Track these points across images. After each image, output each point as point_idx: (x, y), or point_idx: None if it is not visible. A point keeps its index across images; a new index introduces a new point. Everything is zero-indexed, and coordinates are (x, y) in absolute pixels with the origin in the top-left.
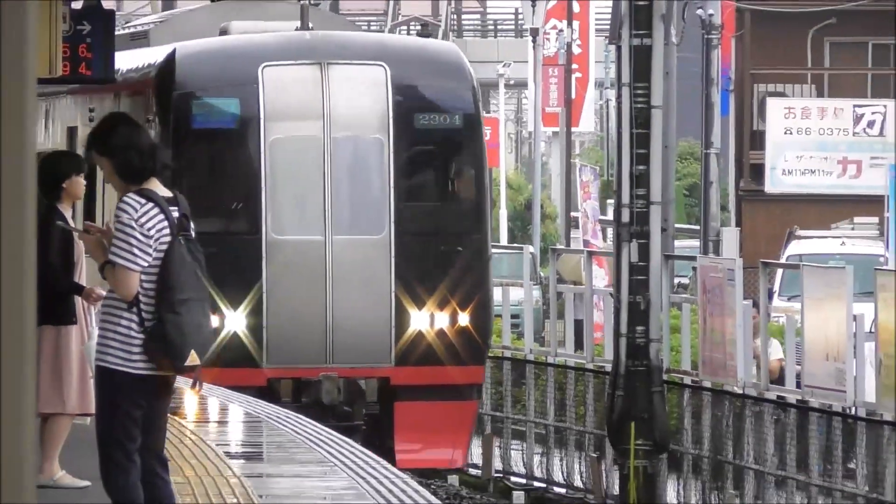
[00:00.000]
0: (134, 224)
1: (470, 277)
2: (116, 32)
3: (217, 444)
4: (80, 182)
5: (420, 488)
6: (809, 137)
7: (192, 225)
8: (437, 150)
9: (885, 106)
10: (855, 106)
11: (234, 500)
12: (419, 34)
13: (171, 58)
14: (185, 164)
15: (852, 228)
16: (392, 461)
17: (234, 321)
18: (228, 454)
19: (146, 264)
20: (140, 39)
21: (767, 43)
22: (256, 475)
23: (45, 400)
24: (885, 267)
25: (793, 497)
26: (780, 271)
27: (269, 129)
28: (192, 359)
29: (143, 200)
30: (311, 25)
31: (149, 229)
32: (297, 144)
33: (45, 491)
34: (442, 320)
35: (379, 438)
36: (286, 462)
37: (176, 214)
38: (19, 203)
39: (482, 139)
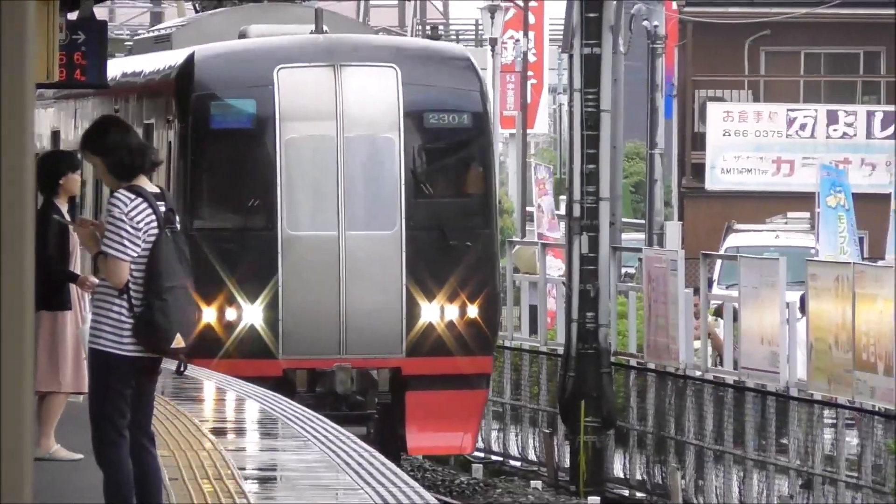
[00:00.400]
0: (124, 218)
1: (479, 271)
2: (142, 36)
3: (200, 421)
4: (76, 179)
5: (385, 460)
6: (746, 139)
7: (177, 218)
8: (446, 148)
9: (815, 110)
10: (788, 110)
11: (213, 468)
12: (430, 37)
13: (190, 60)
14: (203, 162)
15: (785, 223)
16: (403, 448)
17: (251, 314)
18: (212, 430)
19: (135, 255)
20: (163, 42)
21: (707, 52)
22: (235, 449)
23: (42, 379)
24: (815, 258)
25: (730, 470)
26: (719, 262)
27: (285, 128)
28: (178, 341)
29: (132, 196)
30: (325, 29)
31: (138, 223)
32: (312, 143)
33: (41, 463)
34: (451, 312)
35: (391, 426)
36: (264, 437)
37: (163, 209)
38: (19, 199)
39: (490, 137)
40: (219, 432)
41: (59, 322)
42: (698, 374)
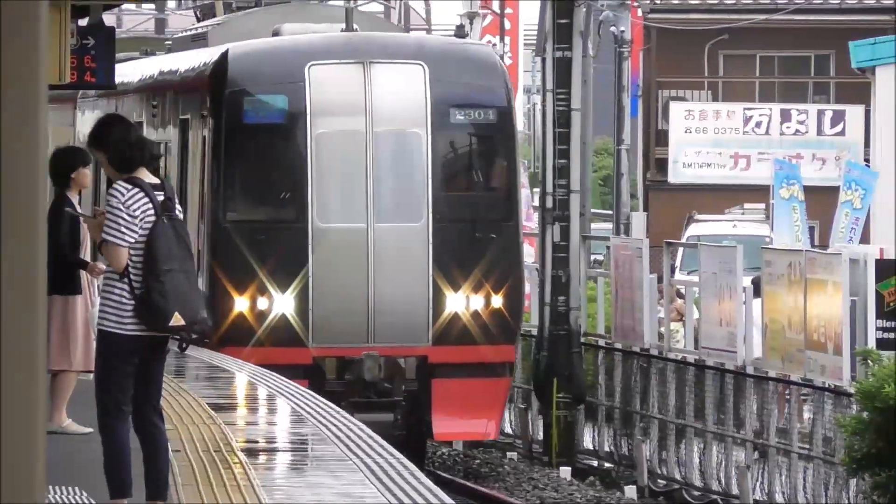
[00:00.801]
0: (121, 207)
1: (503, 262)
2: (180, 35)
3: (203, 399)
4: (87, 173)
5: (372, 434)
6: (706, 136)
7: (177, 207)
8: (471, 143)
9: (770, 109)
10: (745, 109)
11: (212, 440)
12: (455, 35)
13: (223, 57)
14: (236, 157)
15: (742, 213)
16: (430, 434)
17: (282, 304)
18: (212, 406)
19: (133, 241)
20: (200, 41)
21: (670, 55)
22: (233, 423)
23: (55, 359)
24: (769, 246)
25: (691, 442)
26: (680, 249)
27: (315, 123)
28: (177, 319)
29: (129, 186)
30: (355, 27)
31: (134, 211)
32: (342, 138)
33: (54, 436)
34: (476, 302)
35: (417, 413)
36: (261, 412)
37: (161, 198)
38: (33, 191)
39: (515, 132)
40: (218, 408)
41: (70, 305)
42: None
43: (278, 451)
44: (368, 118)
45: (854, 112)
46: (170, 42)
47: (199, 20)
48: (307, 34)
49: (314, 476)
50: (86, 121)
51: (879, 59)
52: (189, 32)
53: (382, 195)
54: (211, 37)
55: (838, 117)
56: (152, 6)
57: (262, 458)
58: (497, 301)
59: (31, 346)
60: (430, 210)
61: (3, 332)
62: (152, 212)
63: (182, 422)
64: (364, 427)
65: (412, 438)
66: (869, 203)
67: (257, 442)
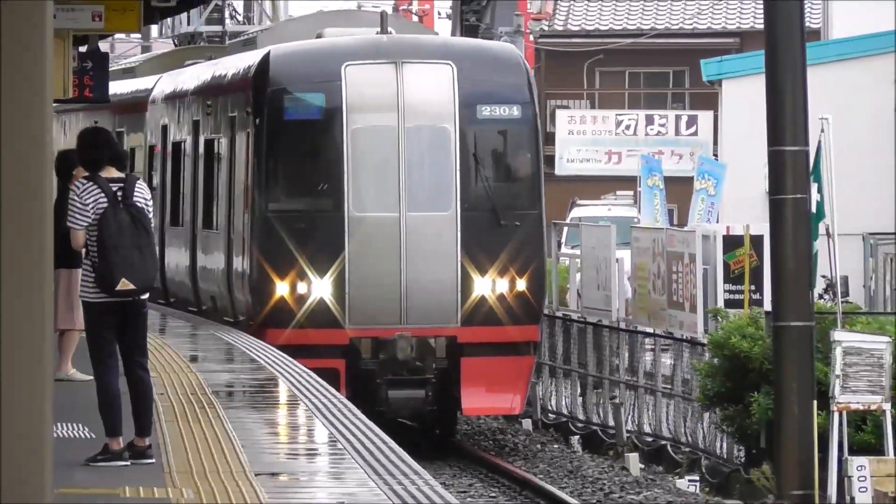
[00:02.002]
0: (76, 198)
1: (527, 248)
2: (235, 40)
3: (181, 352)
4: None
5: (320, 380)
6: (585, 137)
7: (137, 195)
8: (497, 137)
9: (637, 115)
10: (616, 115)
11: (187, 384)
12: (482, 37)
13: (266, 59)
14: (277, 151)
15: (615, 199)
16: (459, 409)
17: (320, 288)
18: (189, 358)
19: (85, 224)
20: (250, 45)
21: (556, 72)
22: (206, 371)
23: (61, 319)
24: (637, 225)
25: (576, 384)
26: (565, 229)
27: (351, 119)
28: (124, 285)
29: (84, 182)
30: (390, 30)
31: (86, 201)
32: (375, 133)
33: (60, 383)
34: (502, 286)
35: (447, 389)
36: (228, 363)
37: (116, 189)
38: (40, 185)
39: (538, 127)
40: (193, 360)
41: (73, 277)
42: (550, 312)
43: (241, 393)
44: (400, 114)
45: (705, 116)
46: (225, 46)
47: (175, 46)
48: (343, 37)
49: (270, 413)
50: (154, 121)
51: (725, 73)
52: (242, 38)
53: (414, 186)
54: (260, 41)
55: (692, 121)
56: (139, 36)
57: (229, 399)
58: (521, 284)
59: (40, 309)
60: (459, 200)
61: (18, 297)
62: (105, 201)
63: (165, 371)
64: (313, 374)
65: (443, 413)
66: (721, 190)
67: (224, 386)
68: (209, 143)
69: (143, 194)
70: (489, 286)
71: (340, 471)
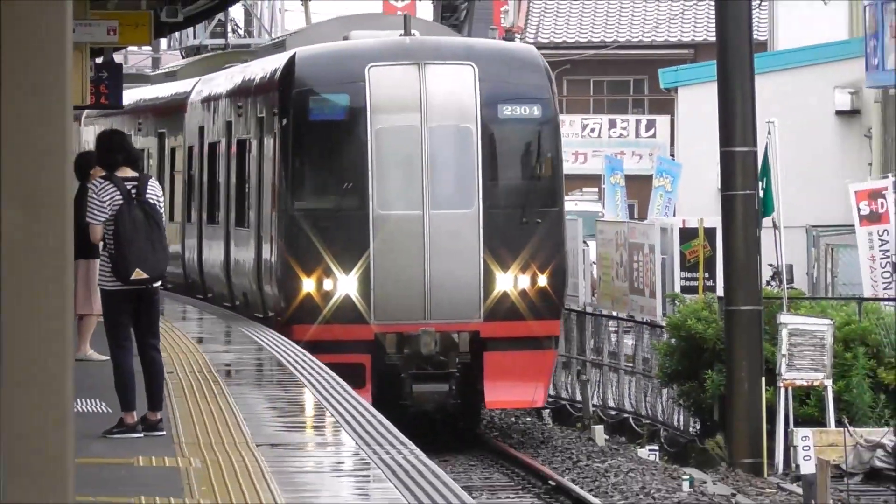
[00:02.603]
0: (94, 196)
1: (548, 245)
2: (264, 44)
3: (189, 334)
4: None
5: (316, 360)
6: None
7: (149, 192)
8: (518, 136)
9: (601, 119)
10: (582, 119)
11: (194, 363)
12: (504, 38)
13: (291, 61)
14: (303, 150)
15: (581, 195)
16: (482, 402)
17: (346, 284)
18: (197, 340)
19: (103, 220)
20: (279, 48)
21: None
22: (212, 351)
23: (80, 305)
24: (601, 219)
25: None
26: None
27: (375, 119)
28: (138, 275)
29: (101, 181)
30: (414, 32)
31: (103, 198)
32: (399, 133)
33: (80, 363)
34: (524, 282)
35: (470, 383)
36: (231, 344)
37: (130, 188)
38: (62, 182)
39: (558, 126)
40: (200, 341)
41: (92, 266)
42: None
43: (243, 372)
44: (423, 114)
45: (662, 120)
46: (255, 50)
47: (182, 57)
48: (367, 39)
49: (271, 390)
50: (192, 123)
51: (680, 81)
52: (272, 41)
53: (437, 184)
54: (289, 44)
55: (651, 124)
56: (150, 48)
57: (232, 377)
58: (543, 280)
59: (61, 295)
60: (481, 197)
61: (41, 285)
62: (120, 198)
63: (174, 351)
64: (307, 353)
65: (466, 407)
66: (677, 187)
67: (228, 366)
68: (241, 144)
69: (155, 192)
70: (511, 282)
71: (333, 442)
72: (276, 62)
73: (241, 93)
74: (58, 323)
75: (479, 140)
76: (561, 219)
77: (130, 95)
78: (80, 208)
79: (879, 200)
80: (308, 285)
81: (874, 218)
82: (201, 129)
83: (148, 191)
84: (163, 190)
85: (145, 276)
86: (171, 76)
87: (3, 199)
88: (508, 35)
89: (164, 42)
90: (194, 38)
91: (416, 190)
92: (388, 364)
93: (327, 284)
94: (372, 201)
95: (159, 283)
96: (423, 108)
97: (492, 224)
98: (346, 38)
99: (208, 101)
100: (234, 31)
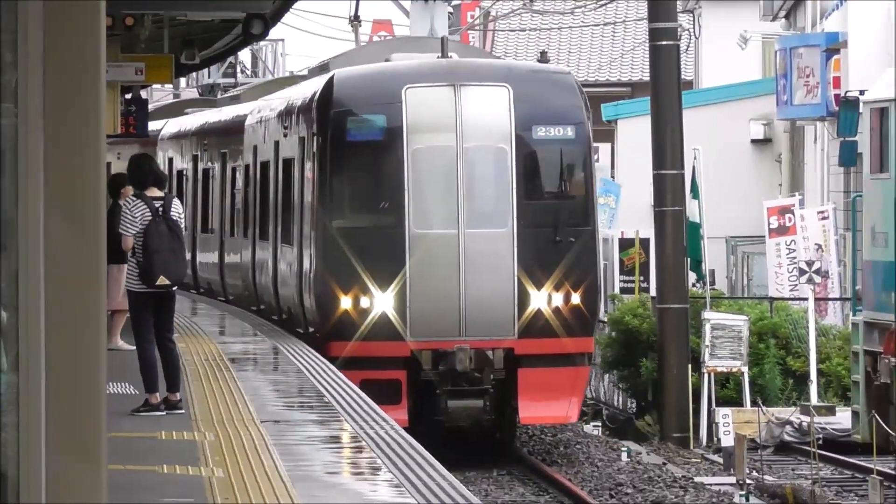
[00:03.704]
0: (128, 211)
1: (581, 263)
2: (314, 66)
3: (202, 328)
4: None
5: (313, 351)
6: None
7: (173, 210)
8: (552, 157)
9: None
10: None
11: (211, 355)
12: (539, 60)
13: (330, 82)
14: (340, 170)
15: None
16: (517, 418)
17: (382, 302)
18: (210, 333)
19: (134, 232)
20: (324, 70)
21: None
22: (222, 342)
23: (111, 302)
24: None
25: None
26: None
27: (411, 140)
28: (162, 281)
29: (134, 199)
30: (451, 55)
31: (135, 214)
32: (435, 153)
33: (111, 352)
34: (557, 299)
35: (505, 400)
36: (239, 336)
37: (158, 205)
38: (97, 200)
39: (591, 147)
40: (214, 335)
41: (121, 270)
42: None
43: (250, 360)
44: (459, 135)
45: (605, 148)
46: (305, 73)
47: (199, 95)
48: (404, 61)
49: (273, 375)
50: (250, 139)
51: (620, 115)
52: (319, 65)
53: (472, 204)
54: (332, 66)
55: (595, 151)
56: (171, 86)
57: (240, 364)
58: (576, 298)
59: (96, 294)
60: (515, 217)
61: (80, 285)
62: (150, 215)
63: (191, 342)
64: (305, 346)
65: (501, 422)
66: (618, 204)
67: (237, 354)
68: (286, 163)
69: (177, 210)
70: (545, 300)
71: (327, 419)
72: (317, 84)
73: (287, 114)
74: (92, 317)
75: (513, 160)
76: (594, 237)
77: (197, 119)
78: (111, 221)
79: (787, 215)
80: (345, 302)
81: (782, 230)
82: (255, 149)
83: (172, 208)
84: (220, 207)
85: (167, 282)
86: (235, 100)
87: (46, 210)
88: (543, 57)
89: (183, 81)
90: (209, 77)
91: (452, 209)
92: (424, 380)
93: (364, 302)
94: (408, 220)
95: (176, 287)
96: (458, 129)
97: (526, 243)
98: (387, 61)
99: (261, 122)
100: (242, 71)
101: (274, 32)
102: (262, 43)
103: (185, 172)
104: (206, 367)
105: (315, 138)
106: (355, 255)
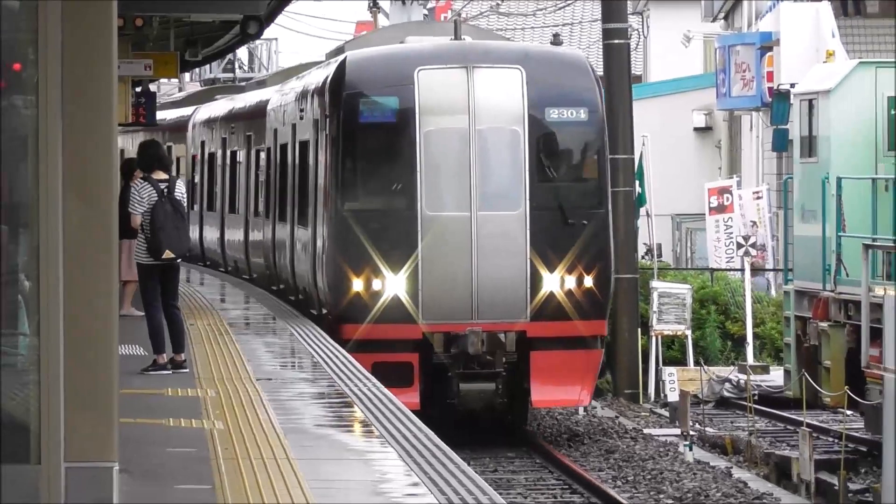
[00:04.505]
0: (136, 192)
1: (594, 246)
2: (330, 51)
3: (205, 296)
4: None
5: (302, 317)
6: None
7: (177, 191)
8: (565, 139)
9: None
10: None
11: (213, 320)
12: (552, 43)
13: (342, 64)
14: (352, 152)
15: None
16: (529, 401)
17: (395, 284)
18: (211, 301)
19: (142, 211)
20: (339, 54)
21: None
22: (223, 309)
23: (123, 273)
24: None
25: None
26: None
27: (424, 122)
28: (167, 254)
29: (142, 181)
30: (464, 38)
31: (142, 195)
32: (447, 135)
33: (123, 318)
34: (570, 282)
35: (517, 382)
36: (241, 303)
37: (163, 187)
38: (109, 182)
39: (604, 129)
40: (217, 302)
41: (131, 245)
42: None
43: (248, 325)
44: (471, 117)
45: None
46: (323, 59)
47: (202, 86)
48: (417, 42)
49: (268, 337)
50: (271, 122)
51: None
52: (336, 49)
53: (484, 186)
54: (347, 49)
55: None
56: (176, 80)
57: (239, 328)
58: (589, 281)
59: (109, 266)
60: (528, 199)
61: (95, 258)
62: (155, 195)
63: (194, 309)
64: (297, 313)
65: (514, 405)
66: None
67: (236, 320)
68: (303, 146)
69: (180, 190)
70: (557, 282)
71: (316, 378)
72: (331, 67)
73: (303, 97)
74: (106, 286)
75: (526, 142)
76: (606, 221)
77: (225, 105)
78: (123, 201)
79: (725, 195)
80: (357, 285)
81: (721, 209)
82: (275, 133)
83: (176, 189)
84: (245, 189)
85: (172, 255)
86: (261, 84)
87: (64, 191)
88: (556, 40)
89: (187, 76)
90: (210, 72)
91: (464, 191)
92: (436, 363)
93: (376, 284)
94: (420, 202)
95: (180, 259)
96: (471, 111)
97: (539, 225)
98: (402, 43)
99: (281, 107)
100: (240, 67)
101: (268, 32)
102: (257, 42)
103: (215, 155)
104: (207, 330)
105: (327, 120)
106: (367, 238)
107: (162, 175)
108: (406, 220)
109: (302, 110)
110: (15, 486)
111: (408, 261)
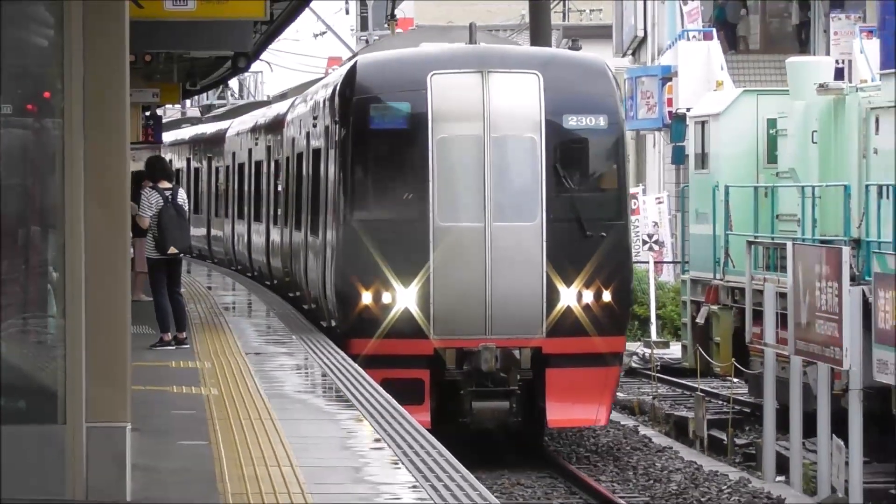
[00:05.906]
0: (145, 199)
1: (612, 259)
2: (346, 59)
3: (203, 284)
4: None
5: (285, 303)
6: None
7: (179, 198)
8: (583, 148)
9: None
10: None
11: (208, 305)
12: (570, 48)
13: (353, 68)
14: (362, 159)
15: None
16: (544, 420)
17: (405, 298)
18: (208, 288)
19: (150, 214)
20: (353, 60)
21: None
22: (219, 295)
23: (135, 265)
24: None
25: None
26: None
27: (437, 128)
28: (172, 250)
29: (150, 190)
30: (479, 43)
31: (150, 201)
32: (461, 142)
33: (134, 303)
34: (588, 297)
35: (532, 401)
36: (231, 290)
37: (168, 194)
38: (122, 189)
39: (624, 138)
40: (212, 289)
41: (142, 242)
42: None
43: (239, 308)
44: (486, 124)
45: None
46: (337, 67)
47: (201, 114)
48: (430, 46)
49: (257, 319)
50: (288, 132)
51: None
52: (348, 57)
53: (499, 196)
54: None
55: None
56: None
57: (231, 311)
58: (607, 296)
59: (123, 259)
60: (544, 210)
61: (112, 253)
62: (161, 201)
63: (193, 295)
64: (274, 295)
65: (528, 425)
66: None
67: (229, 304)
68: (315, 154)
69: (182, 197)
70: (575, 297)
71: (293, 352)
72: (341, 71)
73: (315, 105)
74: (120, 277)
75: (543, 151)
76: (626, 232)
77: (251, 118)
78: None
79: (633, 201)
80: (366, 298)
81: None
82: (292, 142)
83: (178, 196)
84: (266, 198)
85: (176, 251)
86: (284, 96)
87: (87, 199)
88: (575, 45)
89: (188, 102)
90: (206, 99)
91: (478, 201)
92: (448, 380)
93: (386, 297)
94: (433, 212)
95: (182, 255)
96: (486, 118)
97: (555, 237)
98: None
99: (297, 117)
100: (231, 94)
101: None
102: (246, 74)
103: (244, 166)
104: (204, 313)
105: (337, 126)
106: (377, 249)
107: (166, 184)
108: (417, 230)
109: (315, 118)
110: (45, 441)
111: (419, 273)
